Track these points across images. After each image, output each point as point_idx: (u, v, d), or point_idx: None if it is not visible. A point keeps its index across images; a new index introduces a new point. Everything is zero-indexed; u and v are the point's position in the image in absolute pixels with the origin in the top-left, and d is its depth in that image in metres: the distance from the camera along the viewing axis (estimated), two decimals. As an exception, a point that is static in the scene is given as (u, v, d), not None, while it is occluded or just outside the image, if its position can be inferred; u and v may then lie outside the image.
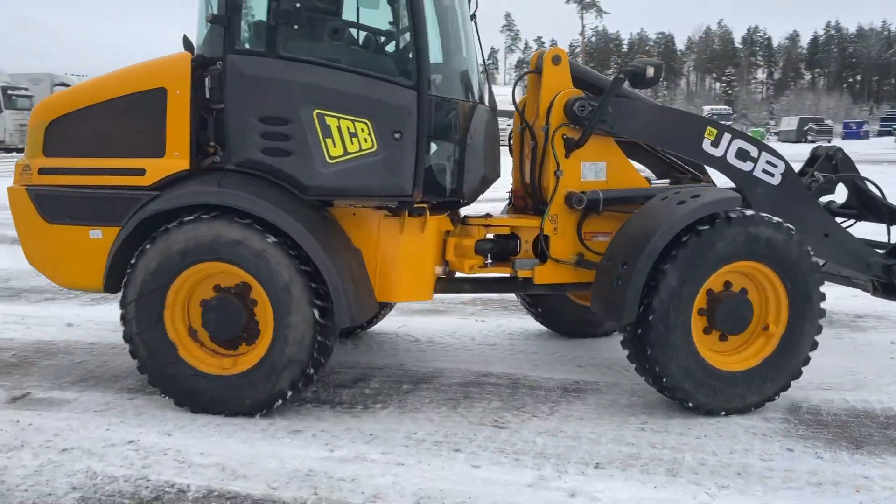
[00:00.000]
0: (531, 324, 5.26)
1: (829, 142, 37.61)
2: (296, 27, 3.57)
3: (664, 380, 3.51)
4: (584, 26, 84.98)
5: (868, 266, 4.16)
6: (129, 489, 2.83)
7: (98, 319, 5.30)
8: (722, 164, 4.08)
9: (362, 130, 3.59)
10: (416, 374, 4.20)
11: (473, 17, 4.44)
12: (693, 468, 3.05)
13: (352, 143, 3.58)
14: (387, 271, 3.80)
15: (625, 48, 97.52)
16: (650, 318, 3.46)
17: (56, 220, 3.77)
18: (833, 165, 4.53)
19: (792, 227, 3.60)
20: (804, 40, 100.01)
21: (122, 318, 3.59)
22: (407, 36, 3.66)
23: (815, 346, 3.66)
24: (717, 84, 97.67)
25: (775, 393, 3.65)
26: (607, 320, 4.51)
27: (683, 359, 3.49)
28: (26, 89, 40.74)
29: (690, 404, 3.55)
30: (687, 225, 3.48)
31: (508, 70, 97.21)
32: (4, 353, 4.50)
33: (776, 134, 54.87)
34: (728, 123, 4.80)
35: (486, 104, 4.31)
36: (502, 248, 4.11)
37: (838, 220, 4.36)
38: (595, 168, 4.02)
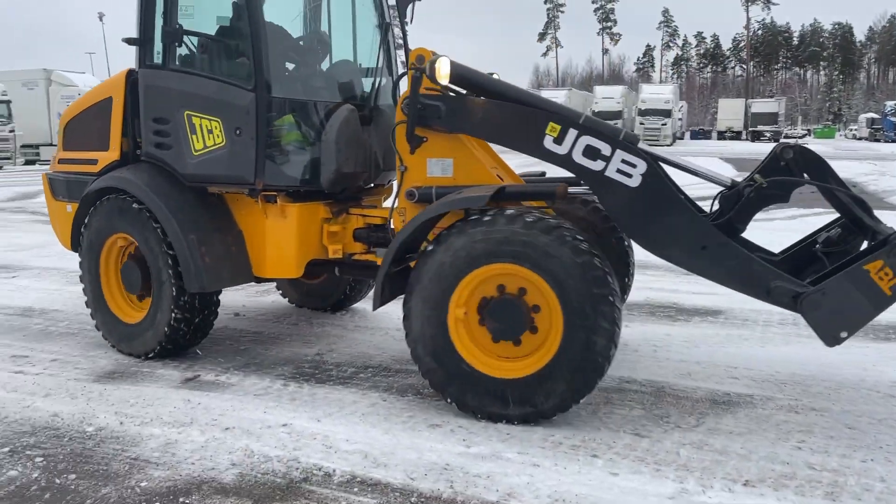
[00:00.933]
0: (677, 330, 5.05)
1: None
2: (177, 45, 4.29)
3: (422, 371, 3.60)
4: (749, 19, 79.96)
5: (768, 292, 3.43)
6: (282, 469, 3.03)
7: (262, 310, 5.71)
8: (568, 163, 3.73)
9: (215, 128, 4.20)
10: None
11: (386, 26, 4.95)
12: (856, 494, 2.80)
13: (208, 138, 4.23)
14: (257, 250, 4.43)
15: (795, 41, 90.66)
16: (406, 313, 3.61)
17: (56, 197, 5.09)
18: (782, 167, 3.80)
19: (569, 229, 3.35)
20: None
21: None
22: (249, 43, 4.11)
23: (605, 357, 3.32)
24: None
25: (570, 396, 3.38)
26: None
27: (444, 356, 3.51)
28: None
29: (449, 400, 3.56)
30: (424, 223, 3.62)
31: (665, 67, 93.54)
32: (181, 338, 4.97)
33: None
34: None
35: (374, 104, 4.64)
36: (380, 237, 4.31)
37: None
38: (442, 164, 3.98)
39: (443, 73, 3.82)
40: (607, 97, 45.60)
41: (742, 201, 3.81)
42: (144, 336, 4.46)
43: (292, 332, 5.14)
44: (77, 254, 4.81)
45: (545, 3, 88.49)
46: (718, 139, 54.04)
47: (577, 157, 3.69)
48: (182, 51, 4.36)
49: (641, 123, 41.90)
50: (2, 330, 5.21)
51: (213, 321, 4.60)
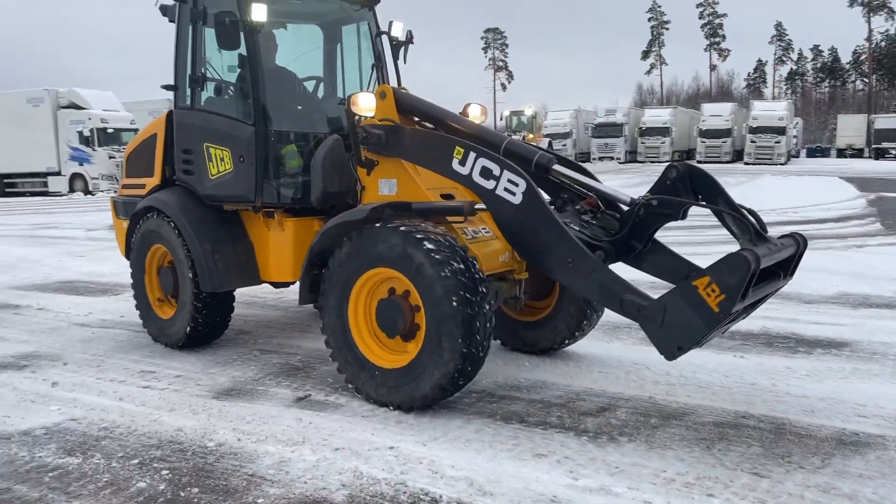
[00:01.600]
0: (798, 363, 4.78)
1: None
2: (200, 89, 5.27)
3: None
4: (871, 30, 75.31)
5: (620, 304, 3.68)
6: (390, 492, 3.08)
7: (366, 332, 5.85)
8: (469, 182, 4.17)
9: (226, 156, 5.08)
10: (666, 408, 4.02)
11: (379, 65, 5.81)
12: None
13: (221, 165, 5.12)
14: (263, 258, 5.26)
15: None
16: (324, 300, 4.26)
17: (118, 216, 6.17)
18: (668, 186, 4.07)
19: (425, 234, 3.82)
20: None
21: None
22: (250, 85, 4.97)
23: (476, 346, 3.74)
24: None
25: (434, 389, 3.81)
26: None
27: (342, 344, 4.20)
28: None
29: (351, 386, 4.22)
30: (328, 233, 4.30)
31: (778, 83, 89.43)
32: (293, 358, 5.16)
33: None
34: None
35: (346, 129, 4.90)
36: None
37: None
38: (389, 184, 4.54)
39: (361, 106, 4.47)
40: (715, 115, 44.13)
41: (633, 220, 4.14)
42: (175, 328, 5.38)
43: (397, 354, 5.22)
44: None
45: (649, 20, 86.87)
46: (838, 157, 50.97)
47: (476, 177, 4.13)
48: (204, 94, 5.35)
49: (753, 142, 40.25)
50: (131, 346, 5.58)
51: (230, 317, 5.51)
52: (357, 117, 4.52)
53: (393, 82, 5.66)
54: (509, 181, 4.00)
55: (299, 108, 5.57)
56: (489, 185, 4.07)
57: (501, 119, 37.91)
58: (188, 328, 5.25)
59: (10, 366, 5.08)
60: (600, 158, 44.68)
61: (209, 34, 5.21)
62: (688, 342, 3.42)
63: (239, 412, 4.06)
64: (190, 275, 5.14)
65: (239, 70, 5.27)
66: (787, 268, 3.86)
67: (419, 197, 4.35)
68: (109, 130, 32.07)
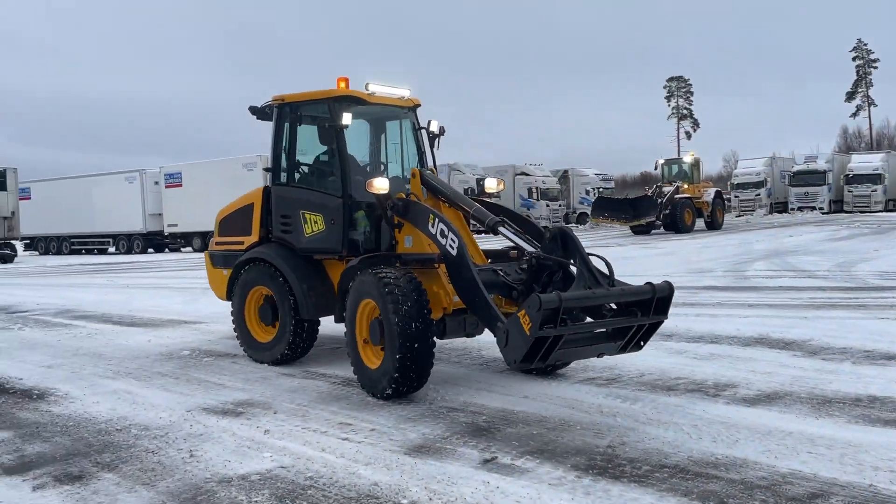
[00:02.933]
0: None
1: None
2: (295, 172, 7.39)
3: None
4: None
5: (496, 329, 5.06)
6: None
7: (550, 395, 5.82)
8: (434, 238, 5.90)
9: (319, 220, 6.95)
10: (891, 499, 3.58)
11: (421, 153, 7.64)
12: None
13: (315, 226, 6.99)
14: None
15: None
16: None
17: (215, 266, 8.25)
18: (548, 243, 5.92)
19: (384, 275, 5.64)
20: None
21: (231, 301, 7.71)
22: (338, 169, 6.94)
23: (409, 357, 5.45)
24: None
25: (390, 383, 5.59)
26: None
27: (353, 353, 6.08)
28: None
29: None
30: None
31: None
32: (478, 417, 5.26)
33: None
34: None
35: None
36: None
37: None
38: (408, 239, 6.46)
39: (375, 187, 6.24)
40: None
41: (531, 269, 5.86)
42: (275, 348, 7.20)
43: (581, 418, 5.14)
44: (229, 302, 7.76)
45: (854, 59, 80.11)
46: None
47: (438, 236, 5.86)
48: (297, 175, 7.39)
49: None
50: (331, 398, 5.98)
51: (314, 341, 7.34)
52: (386, 192, 6.29)
53: (427, 163, 7.60)
54: (451, 240, 5.70)
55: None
56: (443, 241, 5.81)
57: (656, 168, 33.11)
58: (286, 349, 7.10)
59: (230, 412, 5.65)
60: (800, 209, 41.42)
61: (301, 131, 7.31)
62: (518, 356, 4.75)
63: (429, 470, 4.20)
64: (290, 308, 6.93)
65: (326, 157, 7.15)
66: (645, 308, 5.04)
67: (423, 249, 6.29)
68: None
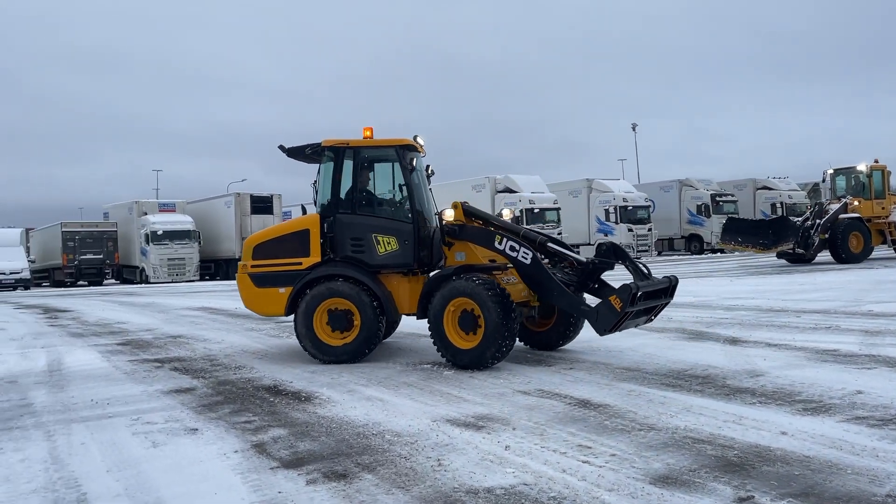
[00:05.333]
0: None
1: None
2: (363, 202, 9.20)
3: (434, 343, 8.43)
4: None
5: (581, 311, 7.99)
6: None
7: (812, 432, 5.28)
8: (503, 253, 8.37)
9: (392, 241, 8.82)
10: None
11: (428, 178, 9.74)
12: None
13: (388, 246, 8.80)
14: (400, 300, 9.05)
15: None
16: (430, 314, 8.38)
17: (260, 286, 9.22)
18: (603, 252, 8.77)
19: (482, 280, 8.00)
20: None
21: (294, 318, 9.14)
22: (407, 200, 9.01)
23: (505, 339, 7.93)
24: None
25: (487, 360, 8.03)
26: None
27: (439, 337, 8.32)
28: (731, 195, 44.21)
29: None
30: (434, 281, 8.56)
31: None
32: (728, 451, 4.93)
33: None
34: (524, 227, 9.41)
35: (437, 225, 9.28)
36: None
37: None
38: (460, 255, 8.89)
39: (447, 216, 8.95)
40: None
41: (586, 272, 8.62)
42: (355, 350, 8.80)
43: (852, 462, 4.58)
44: (290, 316, 9.22)
45: None
46: None
47: (507, 250, 8.34)
48: (361, 204, 9.16)
49: None
50: (568, 419, 5.97)
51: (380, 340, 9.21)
52: (452, 220, 8.87)
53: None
54: (523, 252, 8.19)
55: (423, 209, 9.30)
56: (513, 254, 8.25)
57: (824, 180, 26.85)
58: (369, 346, 8.83)
59: (472, 425, 5.88)
60: None
61: (361, 169, 9.14)
62: (609, 325, 7.59)
63: (677, 503, 4.01)
64: (374, 312, 8.66)
65: (390, 190, 9.28)
66: (667, 293, 8.44)
67: (477, 261, 8.66)
68: (535, 210, 35.48)
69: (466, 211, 8.97)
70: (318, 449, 5.38)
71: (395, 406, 6.64)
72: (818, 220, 23.94)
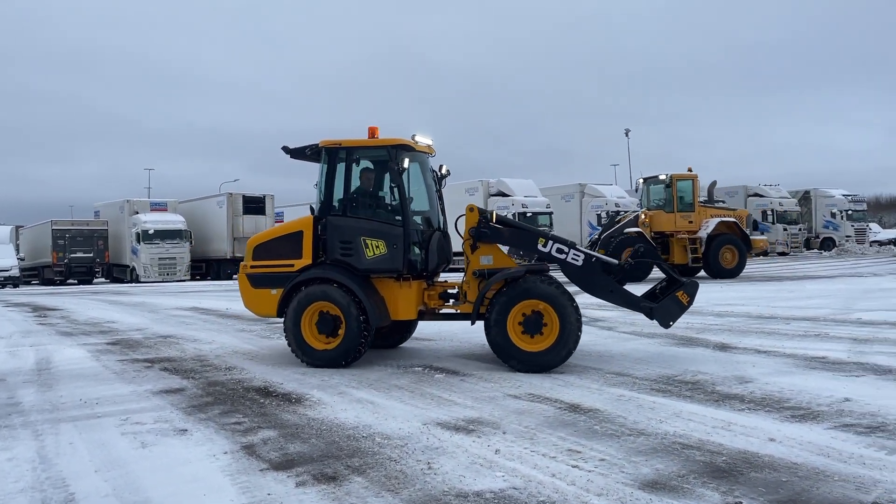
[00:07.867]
0: None
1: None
2: (354, 204, 8.89)
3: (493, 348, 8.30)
4: None
5: (639, 307, 8.35)
6: None
7: (800, 439, 5.31)
8: (549, 257, 8.53)
9: (381, 244, 8.56)
10: None
11: (441, 183, 9.71)
12: None
13: (376, 250, 8.57)
14: (394, 305, 8.83)
15: None
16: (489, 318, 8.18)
17: (256, 287, 9.09)
18: (641, 253, 9.21)
19: (552, 280, 8.15)
20: None
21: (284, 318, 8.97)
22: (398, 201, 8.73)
23: (577, 338, 8.06)
24: None
25: (561, 360, 8.08)
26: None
27: (502, 341, 8.15)
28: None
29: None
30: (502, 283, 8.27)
31: None
32: (717, 457, 4.95)
33: None
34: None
35: (440, 229, 9.50)
36: (453, 296, 9.14)
37: None
38: (487, 258, 8.70)
39: (469, 216, 8.73)
40: None
41: (623, 273, 8.59)
42: (333, 354, 8.61)
43: (839, 469, 4.62)
44: (280, 317, 9.02)
45: None
46: None
47: (554, 252, 8.51)
48: (353, 206, 8.89)
49: None
50: (557, 423, 5.99)
51: (368, 347, 8.86)
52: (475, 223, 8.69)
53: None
54: (574, 254, 8.43)
55: (418, 213, 9.22)
56: (562, 256, 8.45)
57: (637, 189, 25.69)
58: (354, 351, 8.57)
59: (462, 428, 5.88)
60: None
61: (355, 171, 8.95)
62: (674, 318, 8.31)
63: (666, 509, 4.03)
64: (360, 318, 8.41)
65: (381, 192, 9.16)
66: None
67: (506, 264, 8.68)
68: (528, 214, 35.52)
69: (480, 213, 8.78)
70: (308, 451, 5.37)
71: (386, 409, 6.64)
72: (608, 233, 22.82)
